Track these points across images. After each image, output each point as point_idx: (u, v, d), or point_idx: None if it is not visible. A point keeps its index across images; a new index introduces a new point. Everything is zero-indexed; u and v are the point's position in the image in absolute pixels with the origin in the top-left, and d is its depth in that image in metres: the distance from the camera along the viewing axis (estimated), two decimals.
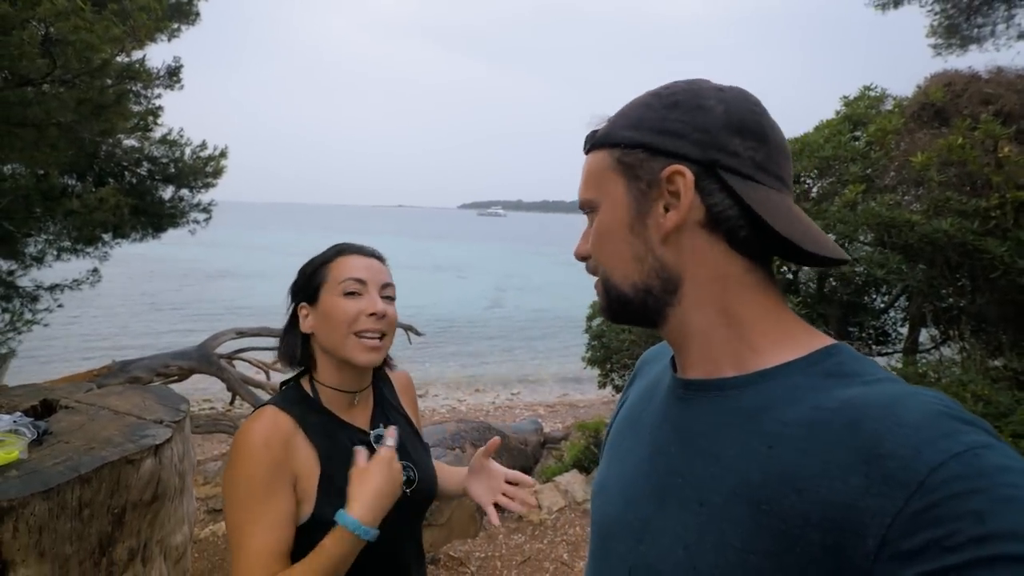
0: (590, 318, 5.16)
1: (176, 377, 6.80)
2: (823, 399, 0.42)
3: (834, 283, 3.15)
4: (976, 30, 6.34)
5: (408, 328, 8.17)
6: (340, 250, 1.02)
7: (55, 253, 4.86)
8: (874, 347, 3.65)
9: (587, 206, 0.59)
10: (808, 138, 3.64)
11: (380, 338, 0.96)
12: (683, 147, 0.51)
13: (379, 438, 1.00)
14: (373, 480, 0.87)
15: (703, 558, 0.45)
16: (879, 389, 0.41)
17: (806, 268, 3.34)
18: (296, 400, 0.96)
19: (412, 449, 1.06)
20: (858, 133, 3.62)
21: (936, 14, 6.36)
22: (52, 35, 2.32)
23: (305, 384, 1.00)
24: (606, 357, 4.87)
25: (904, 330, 3.69)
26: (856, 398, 0.41)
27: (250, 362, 6.92)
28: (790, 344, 0.49)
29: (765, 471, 0.43)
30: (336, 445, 0.94)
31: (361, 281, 0.97)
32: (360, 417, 1.02)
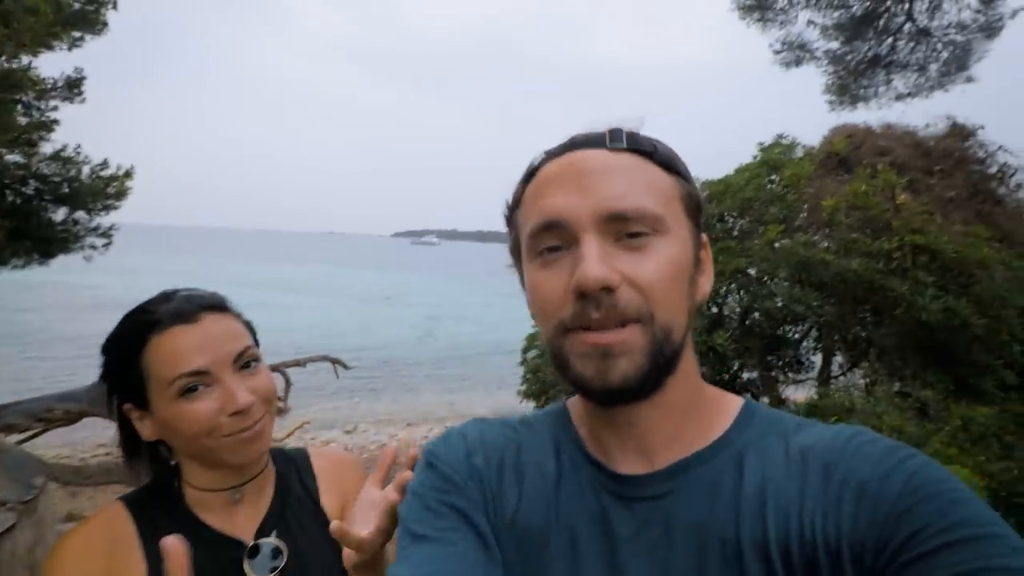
0: (525, 350, 5.11)
1: (62, 422, 5.98)
2: (781, 452, 0.46)
3: (757, 317, 3.32)
4: (862, 90, 7.20)
5: (335, 361, 7.74)
6: (151, 323, 0.69)
7: None
8: (790, 375, 3.87)
9: (647, 223, 0.44)
10: (730, 180, 3.89)
11: (256, 423, 0.71)
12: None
13: (261, 553, 0.73)
14: None
15: None
16: (825, 434, 0.47)
17: (731, 302, 3.51)
18: (152, 497, 0.73)
19: (315, 567, 0.75)
20: (774, 177, 3.91)
21: (830, 75, 7.16)
22: None
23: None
24: (542, 391, 4.81)
25: (815, 359, 3.95)
26: (815, 446, 0.46)
27: None
28: (725, 406, 0.51)
29: (770, 527, 0.44)
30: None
31: (202, 372, 0.68)
32: (244, 520, 0.75)
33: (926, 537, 0.38)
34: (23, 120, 3.97)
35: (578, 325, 0.44)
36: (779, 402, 3.15)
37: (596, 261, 0.43)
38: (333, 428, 8.37)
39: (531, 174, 0.50)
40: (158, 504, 0.72)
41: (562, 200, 0.45)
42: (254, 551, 0.73)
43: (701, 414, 0.50)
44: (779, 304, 3.06)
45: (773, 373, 3.72)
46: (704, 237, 0.50)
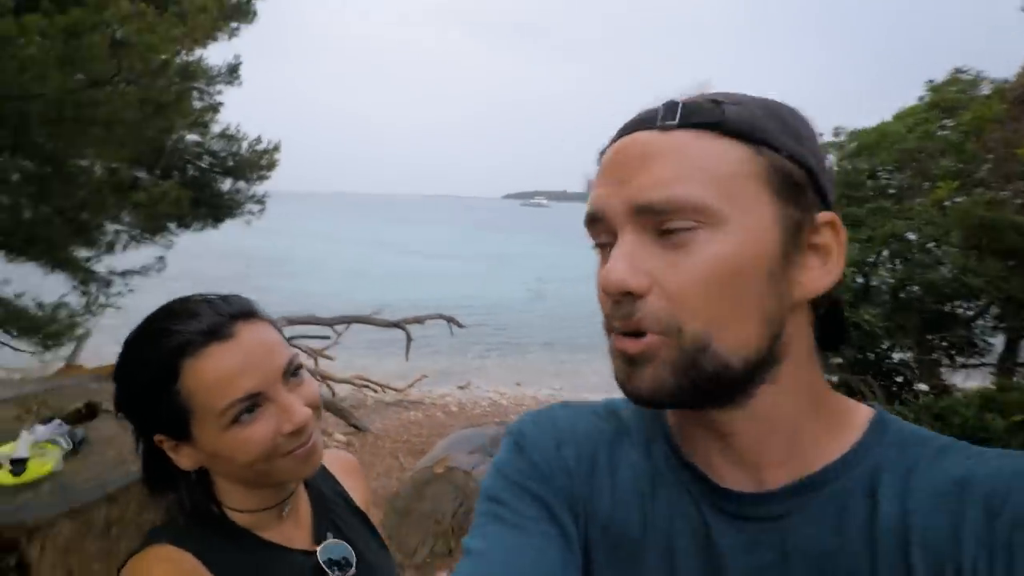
0: None
1: None
2: (926, 478, 0.39)
3: (916, 290, 2.87)
4: None
5: (451, 320, 8.23)
6: (181, 347, 0.61)
7: (125, 241, 5.16)
8: (958, 358, 3.31)
9: (688, 215, 0.38)
10: (887, 128, 3.32)
11: (311, 436, 0.65)
12: (830, 193, 0.42)
13: (338, 560, 0.70)
14: None
15: None
16: (984, 462, 0.39)
17: (883, 273, 3.06)
18: (198, 526, 0.65)
19: (375, 558, 0.76)
20: (947, 122, 3.27)
21: None
22: (119, 37, 2.39)
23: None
24: None
25: (994, 341, 3.33)
26: (973, 475, 0.38)
27: (300, 349, 7.18)
28: (852, 416, 0.44)
29: (916, 567, 0.37)
30: None
31: (254, 395, 0.61)
32: (295, 532, 0.71)
33: None
34: (198, 104, 4.63)
35: (610, 326, 0.41)
36: (942, 389, 2.73)
37: (619, 263, 0.39)
38: (447, 383, 8.96)
39: (600, 160, 0.46)
40: (214, 535, 0.66)
41: (603, 191, 0.42)
42: (329, 555, 0.71)
43: (820, 426, 0.43)
44: (947, 275, 2.61)
45: (934, 355, 3.21)
46: (824, 217, 0.41)
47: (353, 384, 6.97)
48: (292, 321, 7.07)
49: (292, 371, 0.65)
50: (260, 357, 0.63)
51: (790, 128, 0.41)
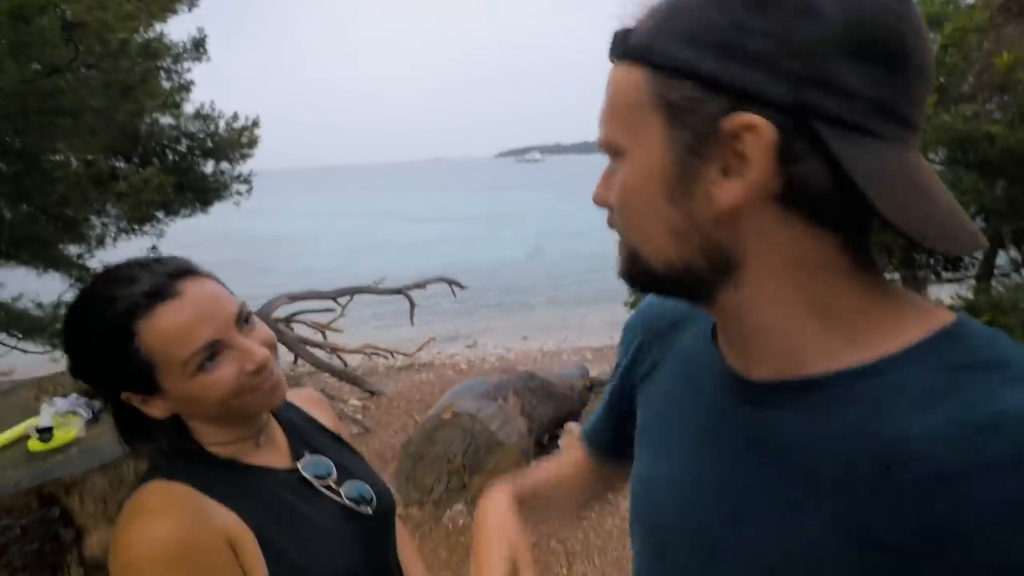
0: None
1: None
2: (960, 407, 0.33)
3: None
4: None
5: (452, 282, 8.28)
6: (131, 310, 0.64)
7: (114, 234, 5.14)
8: (943, 274, 3.36)
9: (609, 148, 0.44)
10: None
11: (273, 372, 0.71)
12: (762, 83, 0.34)
13: (319, 469, 0.78)
14: None
15: None
16: None
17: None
18: (184, 462, 0.69)
19: (351, 465, 0.83)
20: (931, 37, 3.18)
21: None
22: (70, 19, 2.33)
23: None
24: None
25: (978, 255, 3.36)
26: (1019, 412, 0.32)
27: (305, 323, 7.27)
28: (900, 327, 0.38)
29: (881, 501, 0.35)
30: (261, 502, 0.71)
31: (212, 343, 0.66)
32: (274, 455, 0.77)
33: None
34: (166, 84, 4.52)
35: None
36: None
37: (596, 185, 0.47)
38: (456, 344, 9.09)
39: None
40: (200, 466, 0.70)
41: None
42: (311, 468, 0.77)
43: (832, 333, 0.39)
44: None
45: (920, 273, 3.26)
46: (733, 122, 0.35)
47: (363, 353, 7.09)
48: (294, 297, 7.12)
49: (244, 318, 0.70)
50: (210, 308, 0.67)
51: (686, 28, 0.36)
